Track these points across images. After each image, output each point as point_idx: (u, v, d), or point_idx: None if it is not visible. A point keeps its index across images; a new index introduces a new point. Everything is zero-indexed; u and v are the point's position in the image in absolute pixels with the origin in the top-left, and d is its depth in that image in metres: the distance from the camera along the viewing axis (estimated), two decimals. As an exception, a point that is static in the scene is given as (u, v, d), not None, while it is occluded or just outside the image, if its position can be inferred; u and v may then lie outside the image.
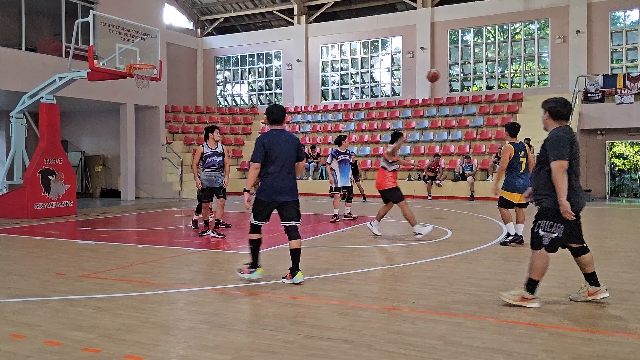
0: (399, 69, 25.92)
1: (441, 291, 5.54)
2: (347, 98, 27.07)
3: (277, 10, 28.13)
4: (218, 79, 30.28)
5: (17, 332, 4.29)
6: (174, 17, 28.63)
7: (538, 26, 23.34)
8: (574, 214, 4.78)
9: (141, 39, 13.42)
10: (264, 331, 4.29)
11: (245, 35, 29.37)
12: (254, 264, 6.01)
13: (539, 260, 4.93)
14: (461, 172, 18.78)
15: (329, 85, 27.67)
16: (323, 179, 21.12)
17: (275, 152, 5.77)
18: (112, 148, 20.88)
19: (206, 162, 9.56)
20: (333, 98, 27.37)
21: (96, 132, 21.45)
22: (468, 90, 24.64)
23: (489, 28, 24.24)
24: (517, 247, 8.28)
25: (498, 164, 18.33)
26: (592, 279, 5.07)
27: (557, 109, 5.08)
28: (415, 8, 24.97)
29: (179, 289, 5.82)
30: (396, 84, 26.29)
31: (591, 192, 19.61)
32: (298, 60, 27.22)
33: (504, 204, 8.54)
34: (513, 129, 8.64)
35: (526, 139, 18.04)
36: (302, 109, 26.59)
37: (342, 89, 27.36)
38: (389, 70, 26.62)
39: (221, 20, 29.72)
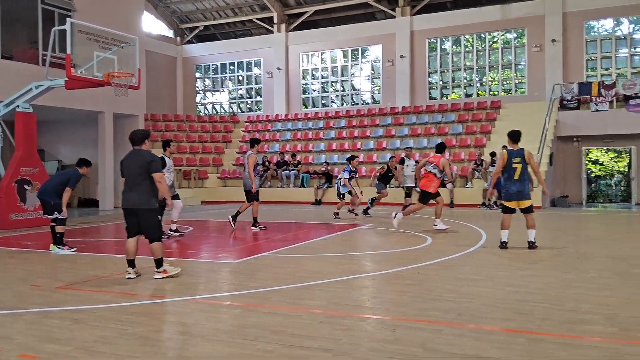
0: (378, 77, 26.09)
1: (421, 298, 5.56)
2: (328, 106, 27.15)
3: (257, 19, 28.16)
4: (198, 87, 30.16)
5: (-10, 346, 4.21)
6: (153, 25, 28.48)
7: (515, 35, 23.70)
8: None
9: (119, 47, 13.33)
10: (243, 341, 4.26)
11: (225, 43, 29.33)
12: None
13: (159, 246, 6.64)
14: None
15: (309, 93, 27.73)
16: (304, 186, 21.12)
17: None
18: (90, 157, 20.53)
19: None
20: (314, 106, 27.43)
21: (74, 141, 21.20)
22: (447, 98, 24.89)
23: (467, 37, 24.55)
24: (497, 253, 8.35)
25: (477, 170, 18.59)
26: (132, 262, 6.71)
27: (131, 137, 6.99)
28: (394, 17, 25.18)
29: (158, 299, 5.76)
30: (376, 92, 26.46)
31: (568, 197, 19.89)
32: (278, 69, 27.25)
33: (504, 210, 8.84)
34: (512, 135, 8.90)
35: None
36: (283, 116, 26.59)
37: (322, 97, 27.45)
38: (369, 79, 26.80)
39: (201, 28, 29.65)
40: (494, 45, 24.25)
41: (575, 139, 21.30)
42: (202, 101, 30.24)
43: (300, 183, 21.30)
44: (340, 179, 14.61)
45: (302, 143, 24.13)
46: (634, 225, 13.70)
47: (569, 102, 20.54)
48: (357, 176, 15.00)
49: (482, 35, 24.28)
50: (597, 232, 12.21)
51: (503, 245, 8.64)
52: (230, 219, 11.90)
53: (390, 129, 23.14)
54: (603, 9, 21.68)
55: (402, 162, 16.11)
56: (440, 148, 11.38)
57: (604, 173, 25.94)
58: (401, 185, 16.10)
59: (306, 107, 27.51)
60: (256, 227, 11.81)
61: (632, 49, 21.85)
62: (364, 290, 6.21)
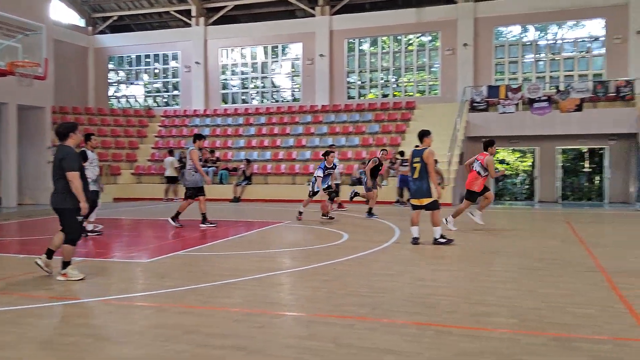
0: (299, 75, 26.19)
1: (335, 294, 5.64)
2: (248, 102, 26.93)
3: (174, 11, 27.43)
4: (111, 79, 28.96)
5: None
6: (63, 14, 27.05)
7: (430, 38, 24.53)
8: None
9: (25, 34, 12.59)
10: (154, 342, 4.14)
11: (140, 35, 28.36)
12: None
13: (70, 249, 6.39)
14: (358, 177, 19.27)
15: (229, 89, 27.39)
16: (222, 183, 20.84)
17: None
18: (-9, 151, 19.31)
19: None
20: (233, 102, 27.11)
21: (-27, 133, 19.76)
22: (365, 98, 25.38)
23: (384, 38, 25.13)
24: (409, 249, 8.61)
25: (392, 169, 19.11)
26: (51, 253, 6.54)
27: (55, 131, 6.57)
28: (314, 16, 25.35)
29: (63, 301, 5.49)
30: (296, 90, 26.54)
31: (477, 195, 20.80)
32: (197, 63, 26.70)
33: (412, 207, 9.21)
34: (418, 134, 9.27)
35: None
36: (202, 112, 26.11)
37: (242, 93, 27.20)
38: (289, 76, 26.84)
39: (115, 18, 28.48)
40: (410, 48, 24.98)
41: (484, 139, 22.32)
42: (116, 94, 29.08)
43: (219, 180, 21.01)
44: (315, 177, 12.94)
45: (221, 139, 23.81)
46: (536, 221, 14.58)
47: (478, 104, 21.53)
48: (337, 172, 13.62)
49: (399, 37, 24.95)
50: (503, 228, 12.86)
51: (414, 241, 8.94)
52: (203, 223, 11.55)
53: (309, 127, 23.30)
54: (511, 16, 22.89)
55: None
56: (485, 145, 11.07)
57: (510, 172, 27.46)
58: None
59: (225, 102, 27.16)
60: (174, 223, 11.53)
61: (537, 55, 23.22)
62: (280, 287, 6.21)
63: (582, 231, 11.06)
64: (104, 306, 5.26)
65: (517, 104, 20.82)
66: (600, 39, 22.26)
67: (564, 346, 4.08)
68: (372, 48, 25.38)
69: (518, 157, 27.40)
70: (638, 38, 20.98)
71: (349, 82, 25.49)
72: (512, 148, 24.76)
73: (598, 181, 24.32)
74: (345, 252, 8.22)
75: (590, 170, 25.24)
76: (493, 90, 21.24)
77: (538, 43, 23.27)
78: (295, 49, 26.33)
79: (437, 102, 23.45)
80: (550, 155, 22.16)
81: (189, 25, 27.20)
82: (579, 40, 22.90)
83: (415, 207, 9.11)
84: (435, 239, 8.97)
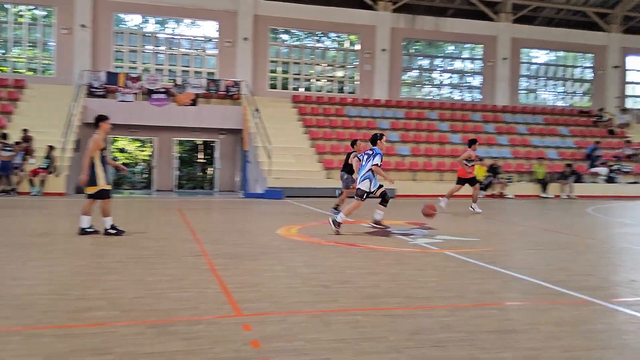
0: None
1: None
2: None
3: None
4: None
5: None
6: None
7: (45, 13, 22.45)
8: None
9: None
10: None
11: None
12: None
13: None
14: None
15: None
16: None
17: None
18: None
19: None
20: None
21: None
22: (-39, 69, 21.65)
23: (-17, 2, 21.89)
24: (79, 238, 7.71)
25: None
26: None
27: None
28: None
29: None
30: None
31: (95, 185, 20.16)
32: None
33: None
34: (94, 119, 8.89)
35: (23, 129, 17.20)
36: None
37: None
38: None
39: None
40: (20, 20, 22.39)
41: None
42: None
43: None
44: (369, 170, 9.28)
45: None
46: (152, 210, 14.94)
47: (97, 90, 20.79)
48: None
49: (6, 6, 22.07)
50: (119, 217, 12.71)
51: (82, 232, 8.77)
52: None
53: None
54: (132, 4, 22.80)
55: None
56: (470, 143, 13.56)
57: (130, 161, 27.45)
58: None
59: None
60: None
61: (157, 47, 23.75)
62: None
63: (192, 218, 11.81)
64: None
65: (136, 94, 20.92)
66: (214, 40, 24.18)
67: (161, 332, 4.19)
68: (-30, 12, 21.81)
69: (138, 147, 27.60)
70: (244, 44, 23.57)
71: None
72: (131, 137, 24.77)
73: (210, 171, 26.48)
74: None
75: (204, 161, 27.29)
76: (112, 77, 20.82)
77: (157, 36, 23.83)
78: None
79: (51, 84, 21.69)
80: (167, 145, 23.02)
81: None
82: (195, 38, 24.37)
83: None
84: (106, 230, 8.85)
